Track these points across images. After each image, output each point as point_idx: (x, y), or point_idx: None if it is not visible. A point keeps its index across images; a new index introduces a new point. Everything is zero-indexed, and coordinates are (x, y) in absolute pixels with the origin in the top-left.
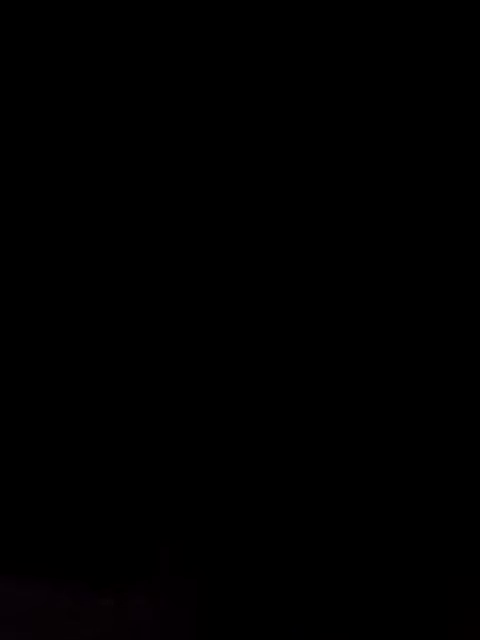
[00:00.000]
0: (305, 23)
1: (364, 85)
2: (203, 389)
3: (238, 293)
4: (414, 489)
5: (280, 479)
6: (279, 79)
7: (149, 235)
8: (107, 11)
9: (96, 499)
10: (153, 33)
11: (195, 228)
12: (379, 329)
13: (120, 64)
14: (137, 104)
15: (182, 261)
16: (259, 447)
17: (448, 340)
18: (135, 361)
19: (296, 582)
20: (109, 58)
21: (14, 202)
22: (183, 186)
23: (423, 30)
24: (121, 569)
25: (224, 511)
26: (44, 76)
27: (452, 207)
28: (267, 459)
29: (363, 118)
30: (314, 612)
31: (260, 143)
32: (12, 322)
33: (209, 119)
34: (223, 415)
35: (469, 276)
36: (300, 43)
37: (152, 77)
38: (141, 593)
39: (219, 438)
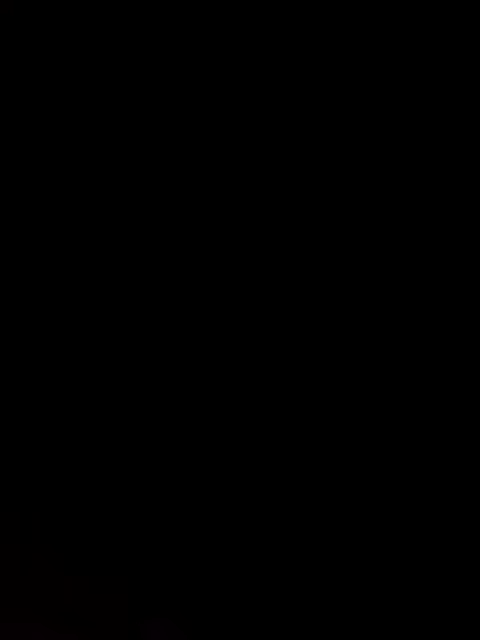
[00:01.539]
0: (305, 23)
1: (364, 85)
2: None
3: (237, 293)
4: (413, 496)
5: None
6: (279, 79)
7: (149, 235)
8: (107, 11)
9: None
10: (153, 33)
11: (195, 228)
12: (379, 329)
13: (120, 65)
14: (137, 105)
15: (182, 261)
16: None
17: (448, 340)
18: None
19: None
20: (109, 59)
21: (14, 203)
22: (183, 186)
23: (423, 30)
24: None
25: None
26: (44, 77)
27: (452, 207)
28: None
29: (363, 118)
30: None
31: (260, 143)
32: (12, 321)
33: (209, 119)
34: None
35: (469, 276)
36: (300, 43)
37: (152, 78)
38: None
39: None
